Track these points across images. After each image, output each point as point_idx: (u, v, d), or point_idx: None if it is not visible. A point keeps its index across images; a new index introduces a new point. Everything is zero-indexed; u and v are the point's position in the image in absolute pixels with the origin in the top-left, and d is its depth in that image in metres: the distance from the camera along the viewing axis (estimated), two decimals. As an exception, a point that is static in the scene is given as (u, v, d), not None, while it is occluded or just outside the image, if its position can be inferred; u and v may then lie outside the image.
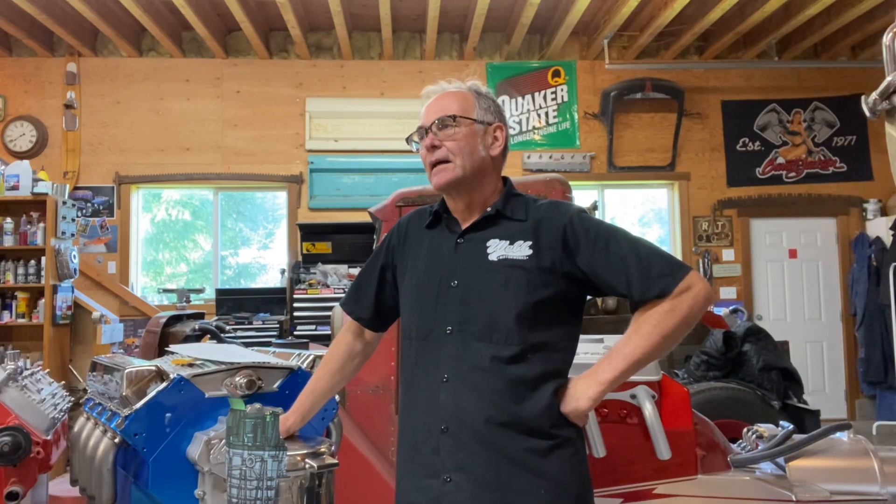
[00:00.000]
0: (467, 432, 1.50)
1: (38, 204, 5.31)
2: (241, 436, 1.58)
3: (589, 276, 1.55)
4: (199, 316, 5.00)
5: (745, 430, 2.77)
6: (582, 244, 1.55)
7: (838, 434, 2.50)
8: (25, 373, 2.68)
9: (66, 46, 7.10)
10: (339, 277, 6.38)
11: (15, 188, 5.32)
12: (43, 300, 5.23)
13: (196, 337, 4.27)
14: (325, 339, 5.39)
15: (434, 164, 1.63)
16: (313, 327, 6.11)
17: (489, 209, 1.64)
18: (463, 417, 1.51)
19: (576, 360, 1.63)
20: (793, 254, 7.62)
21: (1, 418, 2.47)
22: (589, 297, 1.69)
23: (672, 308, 1.47)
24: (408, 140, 1.71)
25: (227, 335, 4.63)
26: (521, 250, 1.57)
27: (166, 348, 2.48)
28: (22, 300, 5.31)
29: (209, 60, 7.30)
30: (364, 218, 4.47)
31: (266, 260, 7.69)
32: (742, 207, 7.55)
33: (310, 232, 6.73)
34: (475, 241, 1.62)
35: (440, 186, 1.63)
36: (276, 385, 1.95)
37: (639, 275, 1.50)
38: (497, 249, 1.59)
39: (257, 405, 1.62)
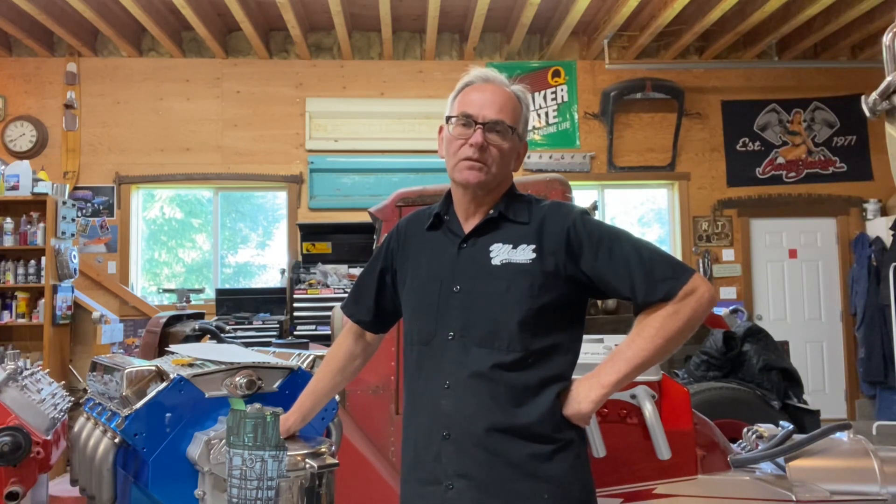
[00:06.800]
0: (469, 439, 1.50)
1: (38, 204, 5.31)
2: (242, 436, 1.58)
3: (592, 279, 1.54)
4: (199, 316, 5.01)
5: (745, 430, 2.77)
6: (585, 247, 1.54)
7: (838, 434, 2.50)
8: (25, 373, 2.68)
9: (66, 46, 7.10)
10: (339, 277, 6.38)
11: (15, 188, 5.32)
12: (43, 300, 5.23)
13: (196, 337, 4.27)
14: (325, 340, 5.39)
15: (468, 159, 1.58)
16: (313, 327, 6.10)
17: (491, 211, 1.62)
18: (464, 424, 1.50)
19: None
20: (793, 254, 7.62)
21: (1, 418, 2.47)
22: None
23: (676, 311, 1.46)
24: (448, 119, 1.62)
25: (227, 335, 4.63)
26: (525, 254, 1.55)
27: (166, 348, 2.48)
28: (22, 300, 5.31)
29: (209, 60, 7.30)
30: (364, 218, 4.47)
31: (264, 259, 7.69)
32: (742, 207, 7.55)
33: (310, 232, 6.73)
34: (478, 246, 1.60)
35: (466, 183, 1.58)
36: (276, 385, 1.95)
37: (642, 278, 1.49)
38: (500, 254, 1.57)
39: (257, 405, 1.62)
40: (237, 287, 7.40)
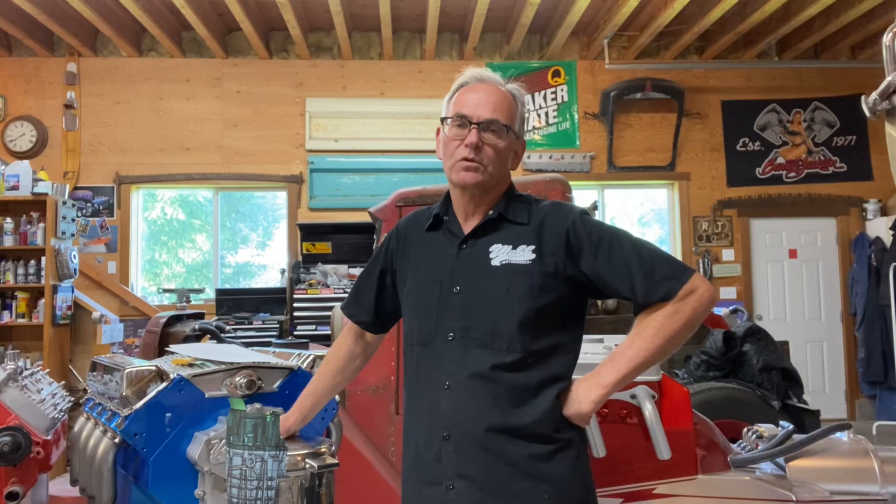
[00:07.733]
0: (469, 439, 1.50)
1: (38, 204, 5.31)
2: (242, 436, 1.58)
3: (592, 279, 1.54)
4: (199, 316, 5.00)
5: (745, 430, 2.77)
6: (585, 248, 1.53)
7: (838, 434, 2.50)
8: (25, 373, 2.68)
9: (66, 46, 7.10)
10: (339, 277, 6.38)
11: (15, 188, 5.32)
12: (43, 300, 5.23)
13: (196, 337, 4.27)
14: (325, 339, 5.39)
15: (464, 159, 1.56)
16: (313, 327, 6.11)
17: (491, 212, 1.62)
18: (464, 425, 1.50)
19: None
20: (793, 254, 7.62)
21: (1, 418, 2.47)
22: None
23: (676, 311, 1.46)
24: (444, 120, 1.62)
25: (227, 335, 4.63)
26: (524, 255, 1.55)
27: (166, 348, 2.48)
28: (22, 300, 5.31)
29: (209, 60, 7.30)
30: (364, 218, 4.47)
31: (264, 259, 7.69)
32: (742, 207, 7.55)
33: (310, 232, 6.73)
34: (478, 247, 1.60)
35: (464, 184, 1.58)
36: (276, 385, 1.95)
37: (642, 278, 1.48)
38: (500, 254, 1.57)
39: (257, 405, 1.62)
40: (237, 287, 7.40)
